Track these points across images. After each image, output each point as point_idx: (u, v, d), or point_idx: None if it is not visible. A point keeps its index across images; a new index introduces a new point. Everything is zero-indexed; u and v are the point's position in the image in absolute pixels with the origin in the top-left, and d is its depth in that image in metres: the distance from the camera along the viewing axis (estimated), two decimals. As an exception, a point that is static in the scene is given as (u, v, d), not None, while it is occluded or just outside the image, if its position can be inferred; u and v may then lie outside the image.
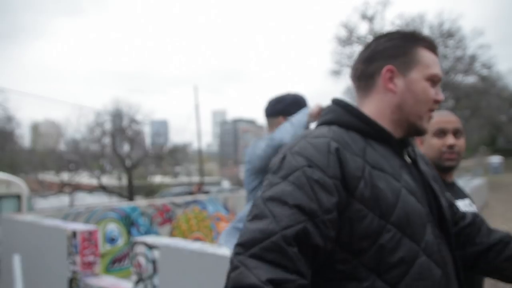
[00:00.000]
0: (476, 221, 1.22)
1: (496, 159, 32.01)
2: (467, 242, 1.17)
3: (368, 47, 1.08)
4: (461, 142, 1.68)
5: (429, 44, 1.05)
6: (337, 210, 0.88)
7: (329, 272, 0.93)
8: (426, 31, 25.02)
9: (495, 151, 36.00)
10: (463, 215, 1.22)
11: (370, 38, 25.32)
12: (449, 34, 24.53)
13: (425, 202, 0.98)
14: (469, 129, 27.65)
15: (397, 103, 1.02)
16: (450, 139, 1.64)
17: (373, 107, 1.04)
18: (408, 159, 1.04)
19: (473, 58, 24.58)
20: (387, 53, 1.03)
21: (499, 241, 1.15)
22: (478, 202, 11.89)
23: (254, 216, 0.87)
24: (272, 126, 2.09)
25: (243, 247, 0.84)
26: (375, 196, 0.89)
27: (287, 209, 0.84)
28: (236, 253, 0.84)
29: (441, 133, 1.65)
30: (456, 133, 1.67)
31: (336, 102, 1.07)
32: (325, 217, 0.86)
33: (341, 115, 1.03)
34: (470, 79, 25.30)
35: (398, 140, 1.03)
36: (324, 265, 0.93)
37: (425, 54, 1.03)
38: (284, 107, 2.06)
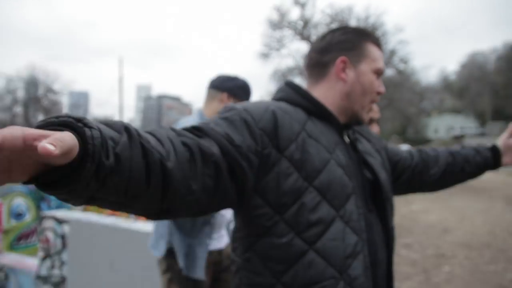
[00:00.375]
0: (422, 157, 1.42)
1: (405, 148, 34.71)
2: (424, 178, 1.41)
3: (323, 38, 1.16)
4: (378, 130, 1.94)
5: (376, 41, 1.15)
6: (258, 159, 0.94)
7: (251, 227, 0.99)
8: (353, 23, 26.15)
9: (405, 140, 39.02)
10: (411, 158, 1.41)
11: (300, 24, 26.22)
12: (374, 28, 25.86)
13: (355, 177, 1.06)
14: (384, 119, 29.61)
15: (346, 92, 1.11)
16: (375, 127, 1.89)
17: (323, 93, 1.13)
18: (347, 139, 1.12)
19: (392, 53, 26.21)
20: (341, 46, 1.12)
21: (446, 165, 1.43)
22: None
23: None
24: (213, 99, 2.08)
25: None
26: (304, 159, 0.97)
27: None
28: None
29: (370, 121, 1.88)
30: (378, 122, 1.94)
31: (287, 84, 1.16)
32: (248, 153, 0.91)
33: (289, 94, 1.12)
34: (388, 72, 27.00)
35: (340, 123, 1.11)
36: (247, 220, 1.00)
37: (373, 49, 1.13)
38: (233, 86, 2.08)
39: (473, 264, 5.29)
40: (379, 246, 1.09)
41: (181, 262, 1.93)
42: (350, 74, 1.11)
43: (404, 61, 26.96)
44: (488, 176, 19.63)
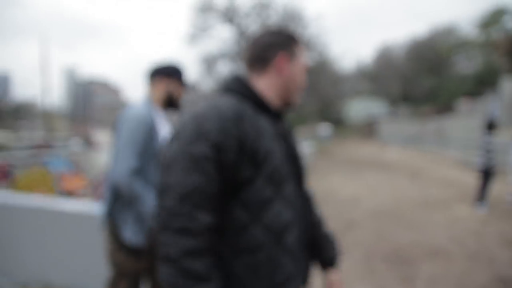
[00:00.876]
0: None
1: (326, 128, 36.64)
2: None
3: (264, 36, 1.32)
4: None
5: (304, 43, 1.49)
6: (231, 171, 1.13)
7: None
8: (279, 9, 26.83)
9: (326, 119, 41.03)
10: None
11: (228, 8, 26.15)
12: (299, 18, 26.77)
13: (289, 164, 1.27)
14: (307, 102, 30.91)
15: (286, 83, 1.31)
16: None
17: (265, 84, 1.30)
18: (282, 129, 1.32)
19: (313, 39, 27.30)
20: (282, 44, 1.30)
21: (320, 238, 1.51)
22: (309, 162, 13.80)
23: (184, 169, 1.09)
24: (154, 86, 2.34)
25: (182, 198, 1.08)
26: (255, 152, 1.14)
27: (211, 166, 1.10)
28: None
29: None
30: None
31: (237, 77, 1.31)
32: (220, 184, 1.12)
33: (240, 88, 1.27)
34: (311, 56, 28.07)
35: (277, 113, 1.31)
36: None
37: (302, 49, 1.35)
38: (169, 70, 2.34)
39: (378, 229, 6.07)
40: (304, 217, 1.35)
41: (127, 232, 2.12)
42: (290, 68, 1.31)
43: (324, 47, 28.28)
44: (396, 155, 21.55)
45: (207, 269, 1.06)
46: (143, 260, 2.20)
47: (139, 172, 2.07)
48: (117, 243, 2.16)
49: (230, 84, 1.29)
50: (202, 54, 28.24)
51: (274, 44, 1.30)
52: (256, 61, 1.31)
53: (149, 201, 2.04)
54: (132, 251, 2.15)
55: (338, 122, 43.25)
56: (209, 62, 28.24)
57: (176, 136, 1.15)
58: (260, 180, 1.15)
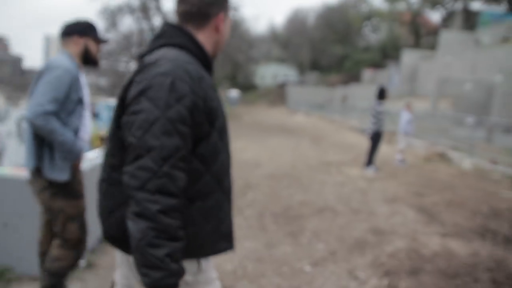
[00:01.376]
0: None
1: (234, 93, 36.88)
2: None
3: None
4: None
5: (230, 5, 1.49)
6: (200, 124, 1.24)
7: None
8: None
9: (235, 86, 41.22)
10: None
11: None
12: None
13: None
14: (218, 66, 30.59)
15: (219, 39, 1.43)
16: None
17: (203, 39, 1.38)
18: (214, 85, 1.39)
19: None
20: (222, 4, 1.40)
21: None
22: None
23: (165, 132, 1.13)
24: (68, 45, 2.40)
25: (163, 160, 1.12)
26: (211, 110, 1.25)
27: (187, 127, 1.17)
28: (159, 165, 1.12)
29: None
30: None
31: (180, 29, 1.35)
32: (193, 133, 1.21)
33: (191, 45, 1.33)
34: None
35: (212, 69, 1.42)
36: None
37: (229, 11, 1.46)
38: (81, 28, 2.41)
39: (273, 190, 6.32)
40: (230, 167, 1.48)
41: (54, 172, 2.19)
42: (224, 27, 1.43)
43: (235, 8, 27.91)
44: (303, 121, 22.50)
45: (178, 228, 1.13)
46: (83, 199, 2.36)
47: (56, 116, 2.15)
48: (50, 189, 2.23)
49: (176, 38, 1.32)
50: (103, 6, 26.51)
51: (215, 4, 1.37)
52: (195, 16, 1.36)
53: (67, 134, 2.16)
54: (66, 191, 2.26)
55: (249, 88, 43.73)
56: (112, 16, 26.62)
57: (145, 94, 1.16)
58: (214, 135, 1.27)
